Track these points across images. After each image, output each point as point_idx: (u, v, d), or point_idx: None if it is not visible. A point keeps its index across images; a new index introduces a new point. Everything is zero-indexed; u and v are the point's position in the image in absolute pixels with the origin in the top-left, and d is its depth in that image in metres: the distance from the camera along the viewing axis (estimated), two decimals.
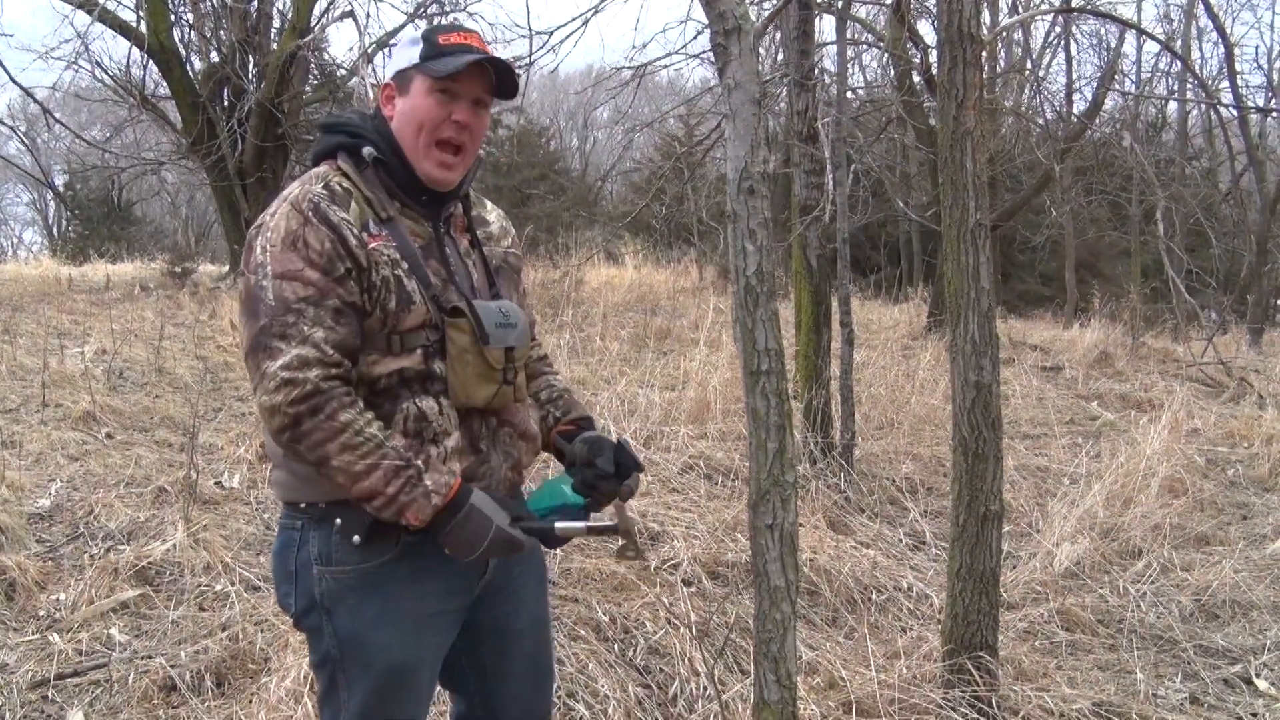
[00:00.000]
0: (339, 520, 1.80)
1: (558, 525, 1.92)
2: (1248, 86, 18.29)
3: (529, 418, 2.02)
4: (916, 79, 12.61)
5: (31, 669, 3.23)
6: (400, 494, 1.71)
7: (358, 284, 1.76)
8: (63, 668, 3.24)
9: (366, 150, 1.85)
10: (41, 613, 3.62)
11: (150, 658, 3.31)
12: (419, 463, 1.74)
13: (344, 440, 1.68)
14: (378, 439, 1.71)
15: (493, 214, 2.12)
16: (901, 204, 13.70)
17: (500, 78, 1.88)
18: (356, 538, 1.79)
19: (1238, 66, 15.32)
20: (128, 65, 14.12)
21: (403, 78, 1.88)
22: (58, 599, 3.70)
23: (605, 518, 1.99)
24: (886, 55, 13.47)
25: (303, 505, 1.84)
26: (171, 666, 3.22)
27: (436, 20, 15.02)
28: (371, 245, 1.78)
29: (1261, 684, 3.69)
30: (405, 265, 1.81)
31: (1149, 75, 17.92)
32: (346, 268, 1.74)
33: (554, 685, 2.22)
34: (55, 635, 3.42)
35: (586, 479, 1.95)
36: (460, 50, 1.83)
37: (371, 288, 1.77)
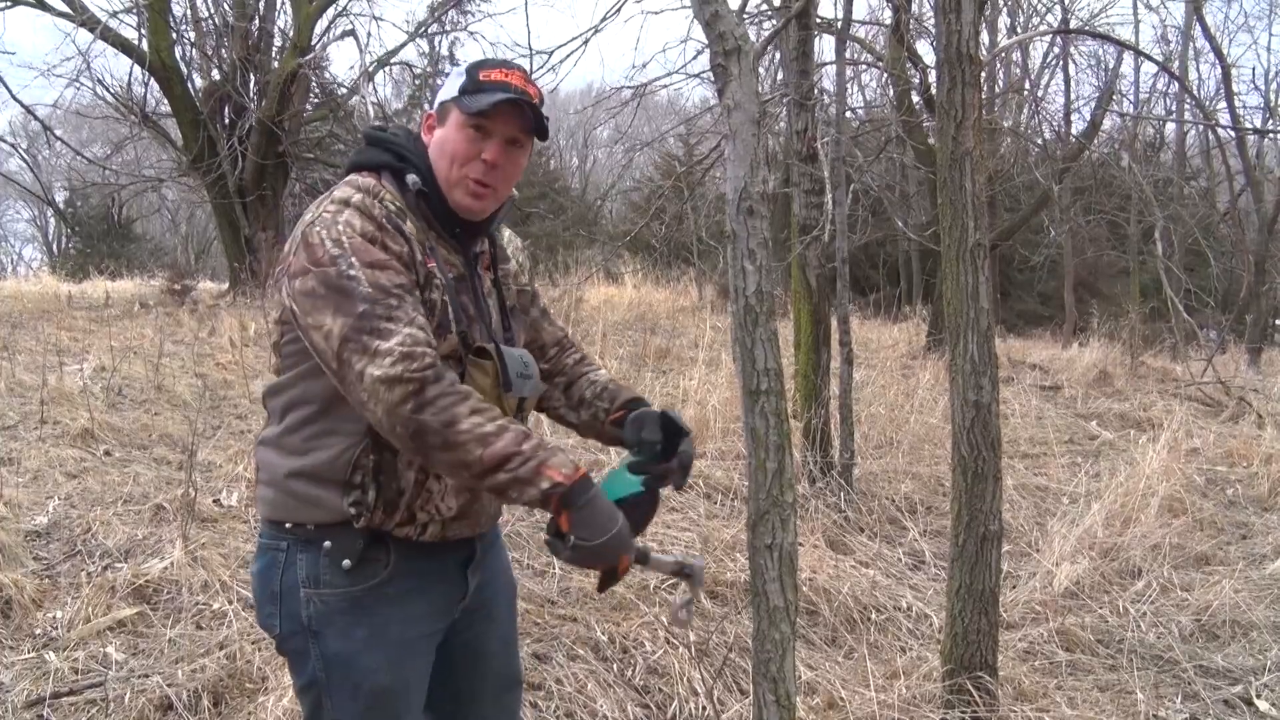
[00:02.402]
0: (328, 543, 1.77)
1: (653, 556, 1.84)
2: (1245, 107, 18.32)
3: None
4: (915, 99, 12.68)
5: (27, 688, 3.21)
6: (538, 451, 1.64)
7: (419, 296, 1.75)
8: (59, 687, 3.22)
9: (411, 179, 1.83)
10: (38, 631, 3.61)
11: (147, 676, 3.29)
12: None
13: (472, 404, 1.63)
14: (498, 409, 1.68)
15: (511, 247, 2.12)
16: (900, 223, 13.75)
17: (535, 117, 1.85)
18: (347, 562, 1.77)
19: (1235, 87, 15.39)
20: (129, 83, 14.24)
21: (443, 109, 1.87)
22: (54, 617, 3.68)
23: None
24: (885, 75, 13.54)
25: (289, 526, 1.80)
26: (168, 685, 3.20)
27: (438, 40, 15.11)
28: (429, 265, 1.78)
29: (1262, 705, 3.68)
30: (446, 294, 1.80)
31: (1147, 96, 18.03)
32: (416, 277, 1.75)
33: (521, 696, 2.21)
34: (51, 654, 3.40)
35: (644, 453, 1.93)
36: (497, 88, 1.81)
37: (423, 304, 1.76)
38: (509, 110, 1.81)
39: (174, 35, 13.88)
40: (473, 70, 1.84)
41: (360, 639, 1.80)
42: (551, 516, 1.69)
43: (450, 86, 1.86)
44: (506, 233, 2.44)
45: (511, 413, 1.85)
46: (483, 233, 1.94)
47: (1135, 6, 21.12)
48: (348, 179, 1.84)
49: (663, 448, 1.95)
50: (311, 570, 1.79)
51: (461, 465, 1.63)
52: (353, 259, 1.67)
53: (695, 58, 12.07)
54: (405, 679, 1.86)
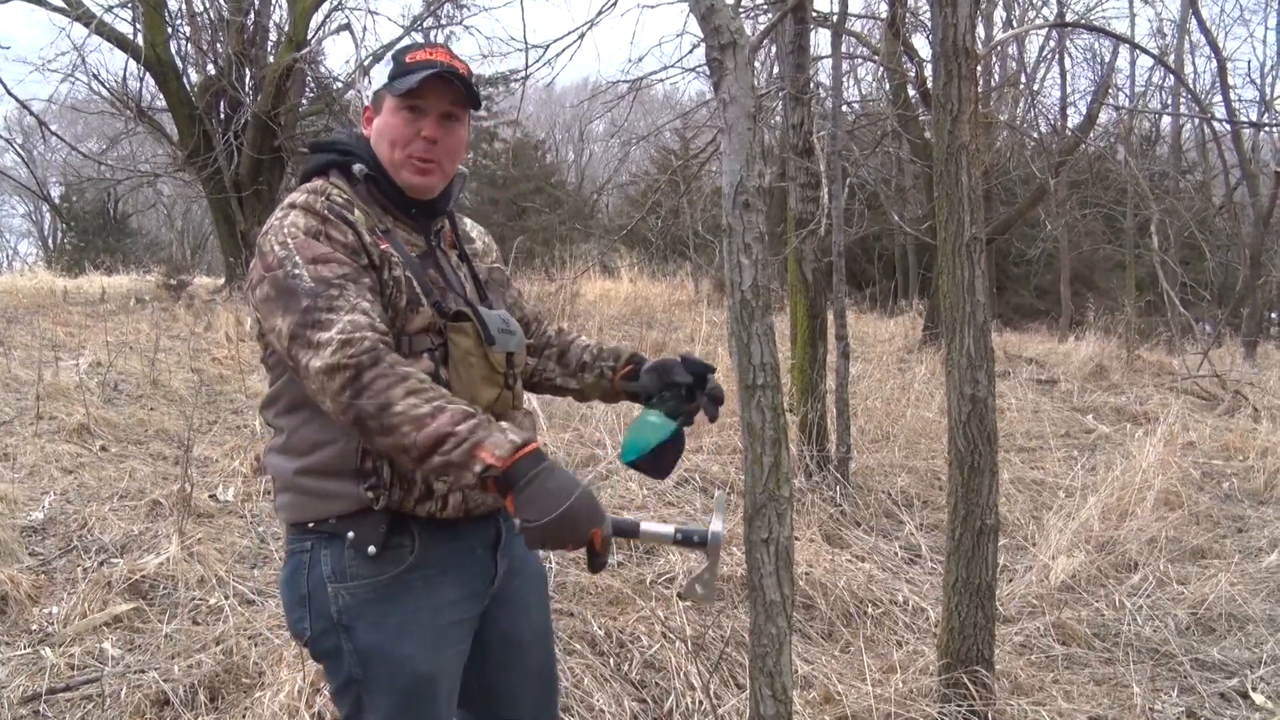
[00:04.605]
0: (351, 534, 1.77)
1: (644, 527, 1.76)
2: (1241, 100, 18.40)
3: (523, 423, 2.03)
4: (911, 93, 12.68)
5: (23, 684, 3.21)
6: (475, 431, 1.59)
7: (376, 278, 1.78)
8: (55, 682, 3.22)
9: (357, 167, 1.87)
10: (34, 627, 3.61)
11: (143, 672, 3.29)
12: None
13: (409, 385, 1.61)
14: (441, 389, 1.66)
15: (474, 230, 2.16)
16: (897, 217, 13.75)
17: (466, 89, 1.88)
18: (371, 549, 1.77)
19: (1230, 81, 15.41)
20: (124, 78, 14.16)
21: (376, 98, 1.92)
22: (50, 613, 3.68)
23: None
24: (881, 69, 13.52)
25: (311, 525, 1.81)
26: (165, 681, 3.20)
27: (433, 34, 15.07)
28: (383, 246, 1.81)
29: (1258, 698, 3.68)
30: (409, 271, 1.83)
31: (1143, 89, 18.00)
32: (368, 260, 1.77)
33: (560, 698, 2.20)
34: (47, 649, 3.39)
35: (672, 398, 2.00)
36: (423, 66, 1.84)
37: (384, 285, 1.78)
38: (437, 85, 1.84)
39: (169, 30, 13.85)
40: (398, 56, 1.88)
41: (392, 628, 1.80)
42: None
43: (381, 77, 1.90)
44: (468, 221, 2.46)
45: (501, 368, 1.88)
46: (440, 211, 1.98)
47: (1131, 0, 21.10)
48: (299, 188, 1.87)
49: (688, 389, 2.02)
50: (337, 564, 1.79)
51: (401, 450, 1.61)
52: (297, 258, 1.71)
53: (691, 52, 12.09)
54: (440, 667, 1.86)
